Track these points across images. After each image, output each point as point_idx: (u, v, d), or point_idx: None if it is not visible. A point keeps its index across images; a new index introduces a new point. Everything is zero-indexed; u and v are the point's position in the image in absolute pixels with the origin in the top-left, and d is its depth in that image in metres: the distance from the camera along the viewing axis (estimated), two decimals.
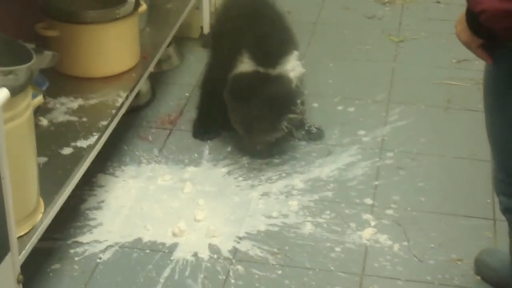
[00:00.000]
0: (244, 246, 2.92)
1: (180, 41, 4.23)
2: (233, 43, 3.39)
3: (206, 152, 3.46)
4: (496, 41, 2.05)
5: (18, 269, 2.30)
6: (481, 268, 2.74)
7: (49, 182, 2.60)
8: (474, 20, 2.03)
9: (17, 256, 2.29)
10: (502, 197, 2.29)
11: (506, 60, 2.10)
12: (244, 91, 3.29)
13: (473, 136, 3.50)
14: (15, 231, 2.26)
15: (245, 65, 3.32)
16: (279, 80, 3.30)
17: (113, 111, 3.06)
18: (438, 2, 4.86)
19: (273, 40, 3.38)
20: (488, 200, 3.12)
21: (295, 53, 3.40)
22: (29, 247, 2.39)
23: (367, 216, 3.07)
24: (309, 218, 3.06)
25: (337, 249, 2.92)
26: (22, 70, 2.20)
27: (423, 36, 4.44)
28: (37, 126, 2.70)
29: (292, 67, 3.36)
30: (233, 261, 2.85)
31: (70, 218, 3.00)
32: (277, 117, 3.30)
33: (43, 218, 2.49)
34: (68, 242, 2.91)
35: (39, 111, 2.93)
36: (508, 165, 2.21)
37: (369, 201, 3.15)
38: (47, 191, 2.57)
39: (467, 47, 2.13)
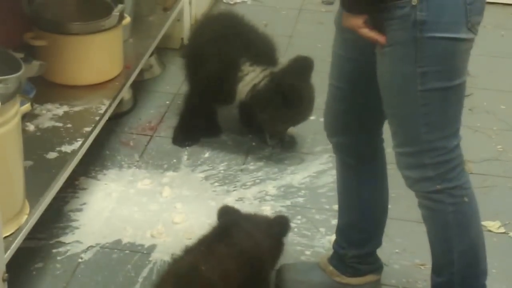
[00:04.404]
0: None
1: (162, 51, 4.25)
2: (221, 54, 3.42)
3: (185, 158, 3.48)
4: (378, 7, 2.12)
5: (4, 268, 2.31)
6: (289, 284, 2.74)
7: (34, 185, 2.61)
8: None
9: (3, 256, 2.30)
10: (408, 171, 2.32)
11: (395, 29, 2.14)
12: (290, 95, 3.37)
13: None
14: (1, 232, 2.27)
15: (252, 74, 3.38)
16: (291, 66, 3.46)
17: (97, 118, 3.08)
18: None
19: (264, 42, 3.48)
20: None
21: None
22: (14, 247, 2.39)
23: (336, 221, 3.09)
24: None
25: (307, 252, 2.95)
26: (11, 80, 2.22)
27: None
28: (24, 131, 2.72)
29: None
30: None
31: (53, 219, 3.01)
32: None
33: (28, 219, 2.50)
34: (51, 242, 2.92)
35: (26, 117, 2.93)
36: (411, 134, 2.25)
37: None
38: (32, 193, 2.57)
39: (356, 31, 2.16)
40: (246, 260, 2.44)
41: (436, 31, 2.10)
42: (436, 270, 2.47)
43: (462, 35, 2.14)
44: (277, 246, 2.65)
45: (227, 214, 2.64)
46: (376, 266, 2.73)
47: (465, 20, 2.12)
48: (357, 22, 2.15)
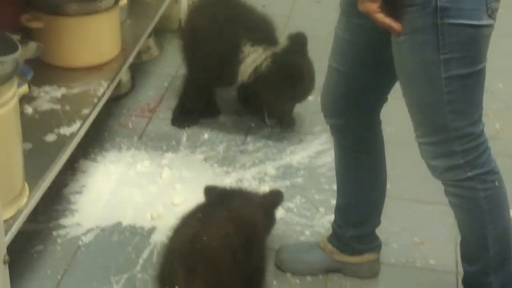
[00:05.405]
0: None
1: (159, 32, 4.24)
2: (221, 35, 3.41)
3: (184, 139, 3.48)
4: None
5: (4, 250, 2.32)
6: (289, 264, 2.78)
7: (33, 168, 2.61)
8: None
9: (3, 238, 2.31)
10: (435, 161, 2.28)
11: (415, 16, 2.13)
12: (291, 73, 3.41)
13: None
14: (1, 214, 2.27)
15: (254, 55, 3.39)
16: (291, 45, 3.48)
17: (95, 100, 3.07)
18: None
19: (264, 22, 3.50)
20: None
21: None
22: (14, 229, 2.40)
23: (335, 201, 3.10)
24: None
25: (307, 232, 2.96)
26: (8, 61, 2.21)
27: None
28: (22, 113, 2.72)
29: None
30: None
31: (53, 201, 3.02)
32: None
33: (28, 202, 2.50)
34: (51, 224, 2.93)
35: (24, 99, 2.94)
36: (438, 123, 2.23)
37: None
38: (32, 176, 2.57)
39: (371, 16, 2.12)
40: (242, 224, 2.44)
41: (459, 17, 2.09)
42: (469, 258, 2.44)
43: (483, 22, 2.13)
44: (269, 215, 2.67)
45: (213, 191, 2.68)
46: (375, 245, 2.74)
47: (485, 7, 2.12)
48: (373, 6, 2.10)
